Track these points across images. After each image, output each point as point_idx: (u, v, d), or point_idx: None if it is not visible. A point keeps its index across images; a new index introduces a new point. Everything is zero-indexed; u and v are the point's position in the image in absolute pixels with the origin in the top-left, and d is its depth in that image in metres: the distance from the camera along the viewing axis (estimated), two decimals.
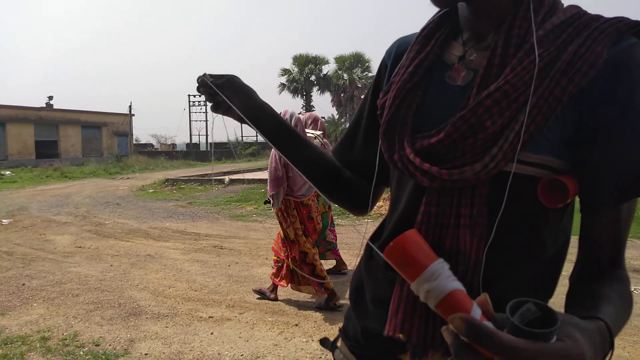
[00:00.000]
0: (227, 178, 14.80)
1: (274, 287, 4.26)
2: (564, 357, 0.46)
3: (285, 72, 36.51)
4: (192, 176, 16.54)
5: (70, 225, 8.51)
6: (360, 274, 0.92)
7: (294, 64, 36.43)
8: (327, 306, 3.97)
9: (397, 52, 0.90)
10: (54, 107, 35.72)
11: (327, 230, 4.94)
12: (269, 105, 0.94)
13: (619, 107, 0.66)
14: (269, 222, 8.23)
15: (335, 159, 1.01)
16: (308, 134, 4.16)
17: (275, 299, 4.24)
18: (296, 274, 3.96)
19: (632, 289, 4.59)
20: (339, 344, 0.95)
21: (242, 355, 3.21)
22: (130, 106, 40.28)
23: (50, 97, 36.26)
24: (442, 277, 0.55)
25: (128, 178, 20.24)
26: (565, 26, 0.70)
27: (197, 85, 0.94)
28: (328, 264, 5.11)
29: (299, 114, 4.22)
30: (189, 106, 45.92)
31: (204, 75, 0.93)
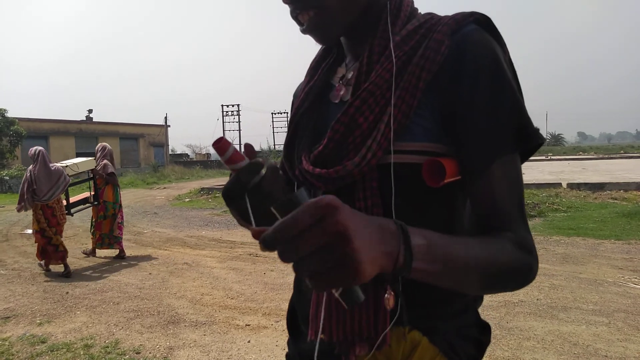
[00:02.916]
0: None
1: (45, 263, 6.03)
2: (313, 204, 0.46)
3: None
4: None
5: None
6: (292, 300, 0.98)
7: None
8: (60, 273, 5.88)
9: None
10: (94, 119, 36.89)
11: (117, 227, 6.68)
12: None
13: (465, 84, 0.73)
14: None
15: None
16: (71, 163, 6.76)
17: (48, 270, 6.02)
18: (47, 252, 5.85)
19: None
20: None
21: None
22: (165, 117, 41.24)
23: (90, 110, 37.48)
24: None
25: (165, 188, 20.67)
26: (419, 29, 0.79)
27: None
28: (114, 253, 6.80)
29: None
30: (222, 115, 46.65)
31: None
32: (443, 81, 0.74)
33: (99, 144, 7.08)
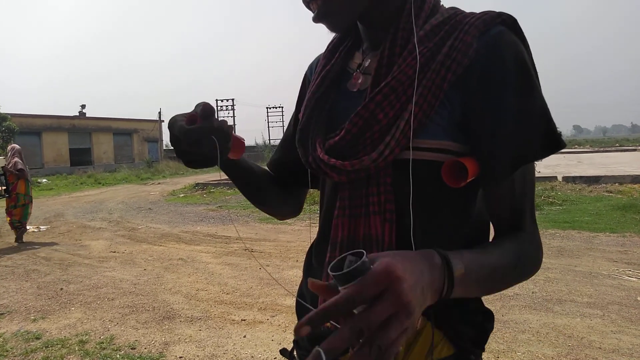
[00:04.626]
0: None
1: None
2: (376, 277, 0.50)
3: None
4: (222, 180, 16.69)
5: (105, 231, 8.70)
6: (302, 286, 0.99)
7: None
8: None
9: (316, 67, 1.00)
10: (87, 115, 36.68)
11: (28, 216, 8.06)
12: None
13: (494, 87, 0.73)
14: (298, 225, 8.24)
15: (270, 170, 1.10)
16: None
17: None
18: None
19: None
20: (295, 353, 0.98)
21: (275, 358, 3.20)
22: (160, 112, 41.06)
23: (83, 106, 37.27)
24: None
25: (159, 183, 20.61)
26: (443, 25, 0.79)
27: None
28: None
29: None
30: (217, 110, 46.52)
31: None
32: (470, 83, 0.74)
33: (10, 145, 8.50)
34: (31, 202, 8.15)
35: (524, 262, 0.76)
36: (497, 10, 0.79)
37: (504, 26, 0.76)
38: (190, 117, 0.76)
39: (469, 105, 0.75)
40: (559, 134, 0.75)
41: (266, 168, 1.10)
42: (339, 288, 0.51)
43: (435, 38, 0.77)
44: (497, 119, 0.73)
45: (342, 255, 0.52)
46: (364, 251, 0.51)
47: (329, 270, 0.51)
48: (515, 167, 0.74)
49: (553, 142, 0.75)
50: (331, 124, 0.86)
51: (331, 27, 0.85)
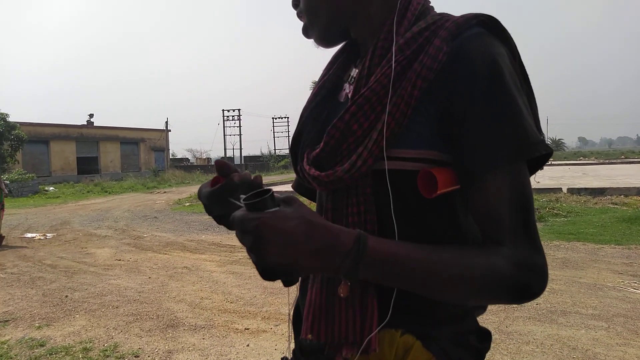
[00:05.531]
0: None
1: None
2: (272, 219, 0.60)
3: None
4: None
5: (110, 239, 8.74)
6: (298, 299, 0.98)
7: None
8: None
9: None
10: (95, 124, 36.94)
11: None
12: None
13: (462, 91, 0.71)
14: None
15: (296, 192, 1.11)
16: None
17: None
18: None
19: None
20: None
21: None
22: (166, 122, 41.31)
23: (91, 115, 37.53)
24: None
25: (165, 192, 20.69)
26: (424, 31, 0.76)
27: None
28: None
29: None
30: (223, 120, 46.72)
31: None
32: (439, 89, 0.72)
33: None
34: (3, 209, 8.44)
35: (489, 277, 0.66)
36: (476, 12, 0.76)
37: (483, 28, 0.74)
38: (213, 180, 0.80)
39: (440, 111, 0.73)
40: (539, 139, 0.71)
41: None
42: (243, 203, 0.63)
43: (414, 45, 0.75)
44: (464, 122, 0.71)
45: (267, 189, 0.64)
46: (271, 189, 0.63)
47: (241, 196, 0.64)
48: (481, 170, 0.69)
49: (524, 147, 0.69)
50: (321, 135, 0.84)
51: (317, 42, 0.89)
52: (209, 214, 0.81)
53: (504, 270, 0.66)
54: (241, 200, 0.63)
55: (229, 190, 0.74)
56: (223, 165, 0.77)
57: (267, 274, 0.64)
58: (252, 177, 0.76)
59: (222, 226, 0.81)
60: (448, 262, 0.67)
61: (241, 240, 0.63)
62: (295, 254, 0.62)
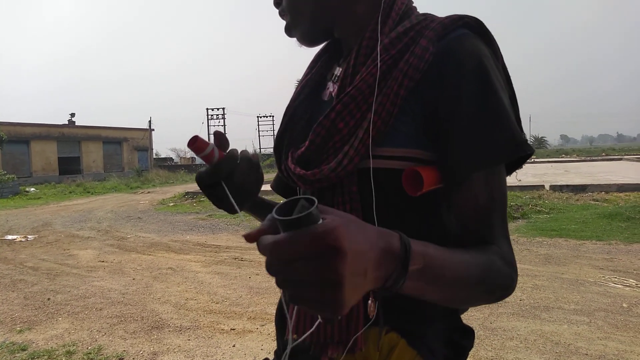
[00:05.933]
0: None
1: None
2: (317, 237, 0.44)
3: None
4: None
5: (93, 240, 8.63)
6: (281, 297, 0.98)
7: None
8: None
9: None
10: (76, 123, 36.44)
11: None
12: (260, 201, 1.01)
13: (449, 92, 0.71)
14: None
15: (276, 192, 1.12)
16: None
17: None
18: None
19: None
20: None
21: None
22: (150, 121, 40.89)
23: (73, 114, 37.01)
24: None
25: (149, 192, 20.49)
26: (409, 31, 0.76)
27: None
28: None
29: None
30: (207, 119, 46.41)
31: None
32: (425, 88, 0.73)
33: None
34: None
35: (494, 278, 0.67)
36: (461, 14, 0.77)
37: (468, 29, 0.75)
38: (209, 157, 0.79)
39: (426, 111, 0.73)
40: (523, 140, 0.72)
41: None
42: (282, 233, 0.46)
43: (399, 45, 0.76)
44: (451, 123, 0.71)
45: (293, 198, 0.48)
46: (315, 199, 0.46)
47: (273, 213, 0.46)
48: (468, 170, 0.70)
49: (514, 148, 0.71)
50: (306, 133, 0.84)
51: (299, 41, 0.89)
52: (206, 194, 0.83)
53: (503, 269, 0.69)
54: (278, 217, 0.46)
55: (213, 176, 0.77)
56: (222, 137, 0.79)
57: (341, 308, 0.46)
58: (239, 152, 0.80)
59: (222, 210, 0.84)
60: (470, 264, 0.64)
61: (300, 276, 0.45)
62: (365, 268, 0.48)
